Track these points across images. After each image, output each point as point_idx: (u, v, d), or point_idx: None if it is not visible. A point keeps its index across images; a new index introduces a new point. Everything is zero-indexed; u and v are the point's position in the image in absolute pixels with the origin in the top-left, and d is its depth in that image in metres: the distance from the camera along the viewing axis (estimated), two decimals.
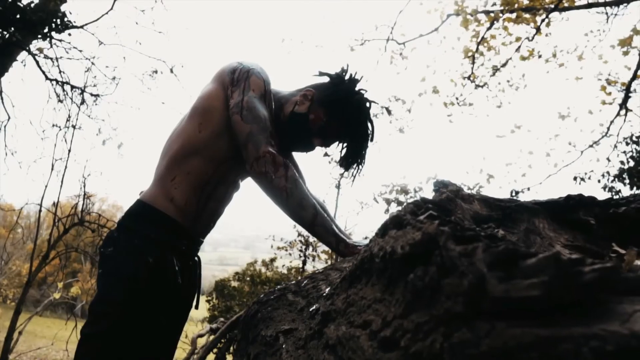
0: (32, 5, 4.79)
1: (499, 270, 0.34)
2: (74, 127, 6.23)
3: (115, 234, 1.46)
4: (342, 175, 1.69)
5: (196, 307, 1.68)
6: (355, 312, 0.53)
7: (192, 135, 1.47)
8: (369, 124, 1.59)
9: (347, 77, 1.58)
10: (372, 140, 1.61)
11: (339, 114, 1.55)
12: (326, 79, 1.61)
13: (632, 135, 6.11)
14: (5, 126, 6.54)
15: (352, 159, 1.61)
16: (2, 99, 6.20)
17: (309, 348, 0.72)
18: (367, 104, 1.58)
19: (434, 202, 0.59)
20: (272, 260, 7.21)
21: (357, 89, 1.58)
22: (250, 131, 1.37)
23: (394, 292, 0.45)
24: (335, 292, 0.66)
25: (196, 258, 1.63)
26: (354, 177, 1.65)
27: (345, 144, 1.63)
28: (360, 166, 1.63)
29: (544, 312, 0.32)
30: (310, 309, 0.94)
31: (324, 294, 0.87)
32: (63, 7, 5.26)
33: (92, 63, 5.79)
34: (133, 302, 1.36)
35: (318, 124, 1.55)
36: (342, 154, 1.64)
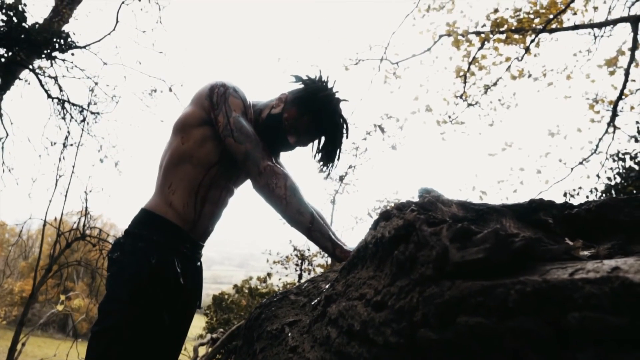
0: (37, 26, 4.94)
1: (457, 243, 0.47)
2: (71, 145, 6.34)
3: (122, 240, 1.60)
4: (320, 171, 1.78)
5: (199, 307, 1.79)
6: (353, 290, 0.66)
7: (177, 147, 1.62)
8: (340, 119, 1.68)
9: (317, 79, 1.69)
10: (346, 136, 1.71)
11: (308, 109, 1.65)
12: (301, 84, 1.72)
13: (619, 152, 6.30)
14: (3, 143, 6.65)
15: (327, 154, 1.71)
16: (1, 116, 6.32)
17: (313, 330, 0.84)
18: (336, 100, 1.67)
19: (416, 203, 0.72)
20: (268, 274, 7.29)
21: (327, 88, 1.67)
22: (246, 150, 1.51)
23: (383, 268, 0.58)
24: (336, 280, 0.79)
25: (198, 263, 1.75)
26: (329, 172, 1.75)
27: (320, 141, 1.73)
28: (334, 161, 1.72)
29: (490, 271, 0.45)
30: (312, 303, 1.06)
31: (326, 288, 0.99)
32: (67, 28, 5.42)
33: (96, 83, 5.94)
34: (137, 299, 1.48)
35: (291, 121, 1.65)
36: (318, 150, 1.73)
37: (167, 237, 1.59)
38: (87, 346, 1.51)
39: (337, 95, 1.68)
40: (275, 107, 1.68)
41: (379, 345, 0.53)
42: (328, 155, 1.72)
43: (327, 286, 1.10)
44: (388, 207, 0.62)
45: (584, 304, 0.39)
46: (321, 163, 1.73)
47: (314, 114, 1.65)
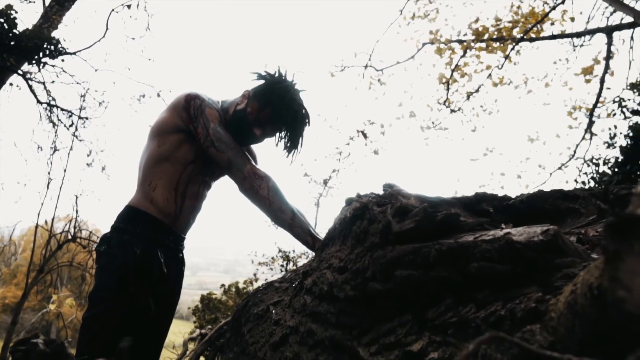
0: (27, 32, 5.04)
1: (397, 217, 0.63)
2: (58, 150, 6.41)
3: (108, 234, 1.75)
4: (286, 159, 1.87)
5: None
6: (324, 263, 0.81)
7: (154, 149, 1.76)
8: (298, 108, 1.79)
9: (275, 73, 1.81)
10: (308, 123, 1.82)
11: (268, 102, 1.77)
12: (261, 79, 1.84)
13: (593, 157, 6.56)
14: None
15: (289, 141, 1.83)
16: None
17: (293, 303, 0.99)
18: (293, 90, 1.79)
19: (377, 195, 0.88)
20: (254, 276, 7.42)
21: (284, 80, 1.80)
22: (228, 158, 1.66)
23: (346, 242, 0.74)
24: (312, 259, 0.94)
25: (181, 255, 1.89)
26: (293, 159, 1.87)
27: (284, 131, 1.84)
28: (297, 148, 1.84)
29: (420, 237, 0.61)
30: (294, 285, 1.21)
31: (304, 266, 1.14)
32: (57, 34, 5.52)
33: (87, 90, 6.04)
34: (125, 288, 1.62)
35: (254, 115, 1.77)
36: (281, 138, 1.85)
37: (150, 231, 1.73)
38: (79, 333, 1.65)
39: (294, 86, 1.80)
40: (240, 104, 1.80)
41: (342, 300, 0.69)
42: (291, 142, 1.83)
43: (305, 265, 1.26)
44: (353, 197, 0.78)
45: (481, 257, 0.55)
46: (285, 150, 1.85)
47: (273, 105, 1.76)
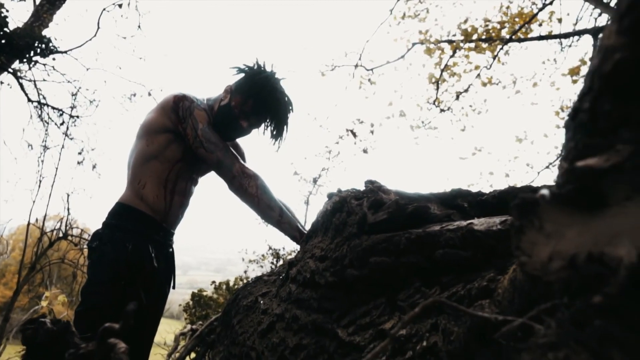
0: (18, 30, 5.04)
1: (372, 209, 0.69)
2: (49, 148, 6.40)
3: (100, 231, 1.79)
4: (273, 146, 1.92)
5: (173, 287, 1.98)
6: (308, 254, 0.87)
7: (143, 148, 1.81)
8: (280, 95, 1.84)
9: (254, 65, 1.87)
10: (291, 109, 1.88)
11: (250, 93, 1.82)
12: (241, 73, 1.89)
13: None
14: None
15: (274, 129, 1.89)
16: None
17: (280, 293, 1.05)
18: (273, 80, 1.84)
19: (357, 190, 0.94)
20: (245, 275, 7.48)
21: (263, 71, 1.84)
22: (217, 158, 1.72)
23: (327, 233, 0.80)
24: (298, 251, 1.00)
25: (171, 249, 1.94)
26: (279, 146, 1.93)
27: (268, 120, 1.89)
28: (282, 134, 1.89)
29: (392, 228, 0.67)
30: (281, 276, 1.27)
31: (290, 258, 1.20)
32: (48, 33, 5.53)
33: (78, 88, 6.05)
34: (117, 282, 1.67)
35: (239, 108, 1.82)
36: (266, 126, 1.90)
37: (141, 227, 1.79)
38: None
39: (274, 75, 1.85)
40: (224, 99, 1.86)
41: (323, 286, 0.75)
42: (276, 130, 1.89)
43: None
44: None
45: (446, 244, 0.61)
46: (272, 138, 1.90)
47: (255, 96, 1.82)
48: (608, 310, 0.26)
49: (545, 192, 0.27)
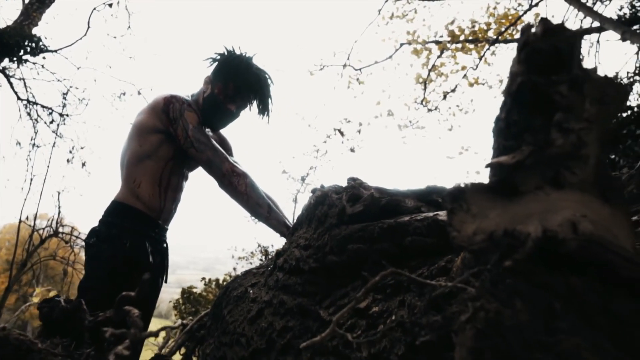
0: (8, 29, 5.06)
1: (350, 202, 0.77)
2: (39, 146, 6.42)
3: (97, 228, 1.86)
4: (262, 120, 2.00)
5: (165, 281, 2.05)
6: (293, 244, 0.96)
7: (136, 149, 1.87)
8: (257, 71, 1.92)
9: (225, 51, 1.94)
10: (271, 82, 1.95)
11: (229, 77, 1.90)
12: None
13: None
14: None
15: (259, 103, 1.96)
16: None
17: (268, 282, 1.13)
18: (246, 59, 1.92)
19: (339, 186, 1.03)
20: (235, 272, 7.55)
21: (234, 54, 1.92)
22: (208, 157, 1.79)
23: (311, 224, 0.88)
24: (285, 243, 1.08)
25: (165, 244, 2.02)
26: (268, 119, 2.00)
27: (252, 97, 1.96)
28: (268, 108, 1.97)
29: (368, 218, 0.76)
30: (269, 268, 1.35)
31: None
32: (37, 32, 5.55)
33: (68, 87, 6.07)
34: (114, 277, 1.74)
35: (222, 93, 1.90)
36: (252, 104, 1.98)
37: (137, 224, 1.86)
38: None
39: (246, 54, 1.92)
40: (206, 90, 1.93)
41: (306, 272, 0.83)
42: (262, 104, 1.97)
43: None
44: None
45: (413, 232, 0.70)
46: (259, 114, 1.98)
47: (234, 78, 1.89)
48: (517, 272, 0.35)
49: (469, 182, 0.36)
